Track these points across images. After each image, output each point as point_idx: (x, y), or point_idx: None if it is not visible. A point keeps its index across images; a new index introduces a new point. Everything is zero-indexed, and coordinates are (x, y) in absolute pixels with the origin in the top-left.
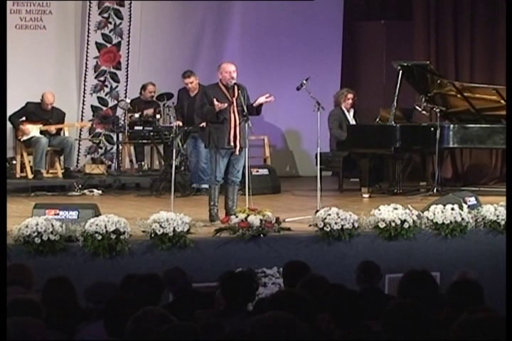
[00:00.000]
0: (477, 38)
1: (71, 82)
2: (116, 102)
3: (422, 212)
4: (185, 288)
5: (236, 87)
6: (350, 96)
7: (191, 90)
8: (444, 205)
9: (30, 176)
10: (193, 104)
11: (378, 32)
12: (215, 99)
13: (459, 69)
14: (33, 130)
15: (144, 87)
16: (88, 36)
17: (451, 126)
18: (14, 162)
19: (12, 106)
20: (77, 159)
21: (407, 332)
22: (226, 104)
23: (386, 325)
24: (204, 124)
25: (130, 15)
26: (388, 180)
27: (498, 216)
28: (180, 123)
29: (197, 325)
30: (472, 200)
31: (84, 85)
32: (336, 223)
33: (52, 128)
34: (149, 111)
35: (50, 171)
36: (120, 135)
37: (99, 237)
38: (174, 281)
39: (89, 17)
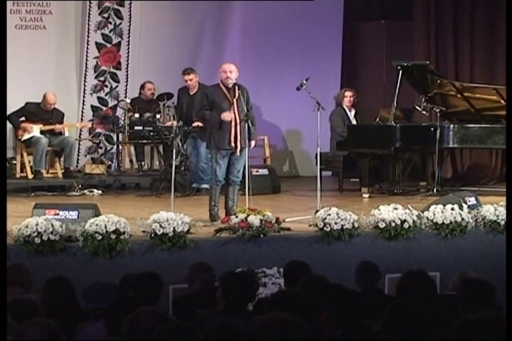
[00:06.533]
0: (477, 38)
1: (71, 82)
2: (116, 102)
3: (422, 212)
4: (210, 282)
5: (236, 88)
6: (347, 94)
7: (191, 88)
8: (444, 205)
9: (30, 176)
10: (192, 102)
11: (378, 32)
12: (225, 114)
13: (459, 69)
14: (33, 129)
15: (142, 87)
16: (88, 36)
17: (451, 126)
18: (14, 162)
19: (12, 106)
20: (77, 159)
21: (405, 332)
22: (232, 116)
23: (385, 325)
24: (199, 124)
25: (130, 15)
26: (388, 180)
27: (498, 216)
28: (175, 123)
29: (197, 325)
30: (472, 200)
31: (84, 85)
32: (336, 223)
33: (59, 127)
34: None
35: (50, 171)
36: (120, 135)
37: (99, 237)
38: (200, 276)
39: (89, 17)
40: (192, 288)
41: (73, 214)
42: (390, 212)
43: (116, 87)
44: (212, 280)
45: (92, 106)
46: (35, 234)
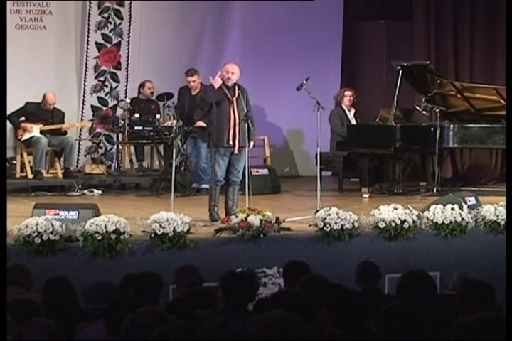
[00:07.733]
0: (477, 38)
1: (71, 82)
2: (116, 102)
3: (422, 212)
4: (197, 284)
5: (236, 87)
6: (347, 93)
7: (193, 89)
8: (444, 205)
9: (30, 176)
10: (194, 102)
11: (378, 32)
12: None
13: (459, 69)
14: (33, 129)
15: (142, 86)
16: (88, 36)
17: (451, 126)
18: (14, 162)
19: (12, 106)
20: (77, 159)
21: (405, 332)
22: (217, 79)
23: (379, 326)
24: (201, 124)
25: (130, 15)
26: (388, 180)
27: (498, 216)
28: (175, 122)
29: (197, 325)
30: (472, 200)
31: (84, 85)
32: (335, 223)
33: (66, 126)
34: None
35: (50, 171)
36: (120, 135)
37: (99, 237)
38: (186, 278)
39: (89, 17)
40: (179, 290)
41: (73, 214)
42: (390, 212)
43: (116, 87)
44: (199, 283)
45: (92, 106)
46: (35, 234)
